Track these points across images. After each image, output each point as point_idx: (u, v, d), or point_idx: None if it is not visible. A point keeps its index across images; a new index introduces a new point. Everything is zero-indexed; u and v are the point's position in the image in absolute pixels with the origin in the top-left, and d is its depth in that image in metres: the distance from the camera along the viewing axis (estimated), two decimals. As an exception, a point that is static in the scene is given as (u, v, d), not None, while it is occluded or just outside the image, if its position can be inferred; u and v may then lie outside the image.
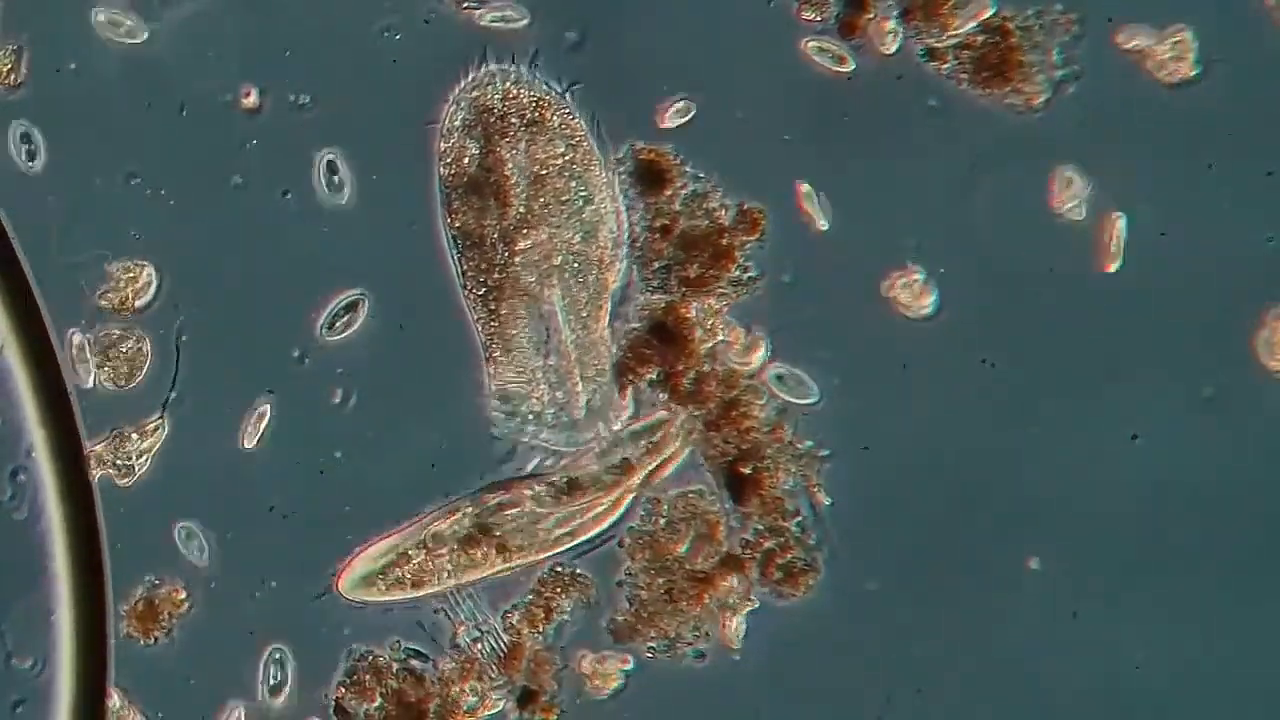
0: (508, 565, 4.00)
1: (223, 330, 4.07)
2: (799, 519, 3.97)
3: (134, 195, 4.05)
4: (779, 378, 3.94)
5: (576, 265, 3.96)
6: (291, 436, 4.05)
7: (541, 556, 3.99)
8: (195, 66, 4.03)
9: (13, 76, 4.02)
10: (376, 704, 4.05)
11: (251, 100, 4.02)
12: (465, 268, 3.97)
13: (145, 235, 4.06)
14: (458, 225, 3.96)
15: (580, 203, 3.94)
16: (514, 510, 3.98)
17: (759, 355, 3.94)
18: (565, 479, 3.97)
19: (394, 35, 4.00)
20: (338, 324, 4.01)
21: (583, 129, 3.94)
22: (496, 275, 3.96)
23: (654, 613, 3.99)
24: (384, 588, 4.01)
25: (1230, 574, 3.88)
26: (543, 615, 4.01)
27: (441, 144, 3.96)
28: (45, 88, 4.04)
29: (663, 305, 3.97)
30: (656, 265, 3.96)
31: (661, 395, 3.97)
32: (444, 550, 3.99)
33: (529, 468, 3.99)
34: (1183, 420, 3.88)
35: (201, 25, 4.03)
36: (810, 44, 3.76)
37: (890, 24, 3.86)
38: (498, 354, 3.98)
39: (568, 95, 3.92)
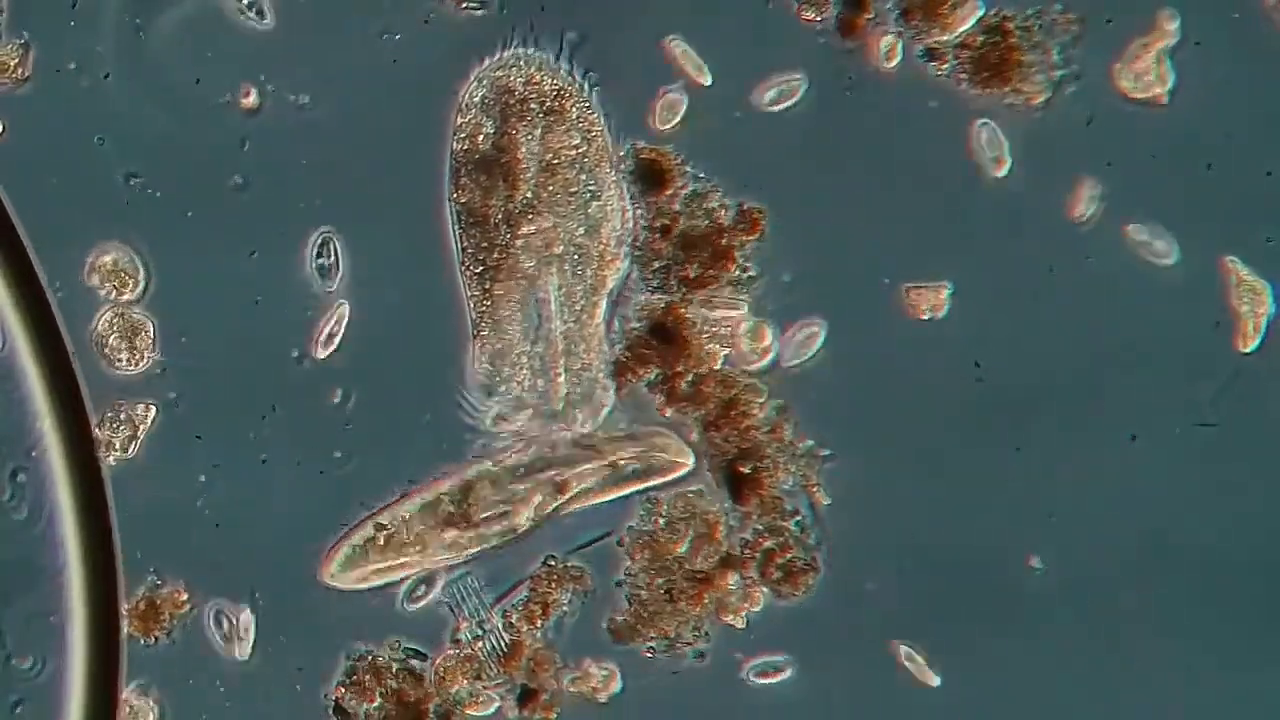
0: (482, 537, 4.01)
1: (221, 329, 4.07)
2: (798, 519, 3.97)
3: (134, 195, 4.05)
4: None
5: (577, 257, 3.96)
6: (291, 436, 4.06)
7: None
8: (195, 66, 4.03)
9: (20, 71, 4.02)
10: (376, 704, 4.05)
11: (251, 100, 4.02)
12: (465, 244, 3.97)
13: (145, 235, 4.06)
14: (463, 201, 3.96)
15: (588, 196, 3.94)
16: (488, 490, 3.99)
17: (767, 344, 3.95)
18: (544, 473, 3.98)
19: (394, 35, 4.00)
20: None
21: (600, 124, 3.94)
22: (496, 256, 3.96)
23: (654, 613, 4.00)
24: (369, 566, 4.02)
25: (1229, 572, 3.89)
26: (540, 611, 4.02)
27: (458, 118, 3.97)
28: (47, 87, 4.05)
29: (662, 305, 3.97)
30: (656, 265, 3.97)
31: (660, 396, 3.98)
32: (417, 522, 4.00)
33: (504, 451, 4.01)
34: (1183, 420, 3.89)
35: (201, 25, 4.03)
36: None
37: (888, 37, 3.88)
38: (486, 333, 3.98)
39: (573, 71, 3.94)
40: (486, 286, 3.97)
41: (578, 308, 3.96)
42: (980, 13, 3.87)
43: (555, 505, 3.99)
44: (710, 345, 3.94)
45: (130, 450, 4.06)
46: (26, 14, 4.05)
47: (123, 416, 4.05)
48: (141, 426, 4.06)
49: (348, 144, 4.01)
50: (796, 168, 3.94)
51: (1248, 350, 3.87)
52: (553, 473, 3.98)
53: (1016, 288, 3.91)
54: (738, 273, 3.95)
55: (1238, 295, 3.85)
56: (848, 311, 3.94)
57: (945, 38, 3.88)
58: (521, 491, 3.98)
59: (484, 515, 3.98)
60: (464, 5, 3.98)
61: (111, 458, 4.05)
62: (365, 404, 4.05)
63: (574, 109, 3.94)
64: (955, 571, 3.93)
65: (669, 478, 3.98)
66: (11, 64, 4.02)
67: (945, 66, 3.89)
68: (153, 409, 4.06)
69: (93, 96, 4.04)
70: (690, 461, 3.97)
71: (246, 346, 4.05)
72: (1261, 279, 3.85)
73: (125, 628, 4.05)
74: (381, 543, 4.00)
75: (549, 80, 3.94)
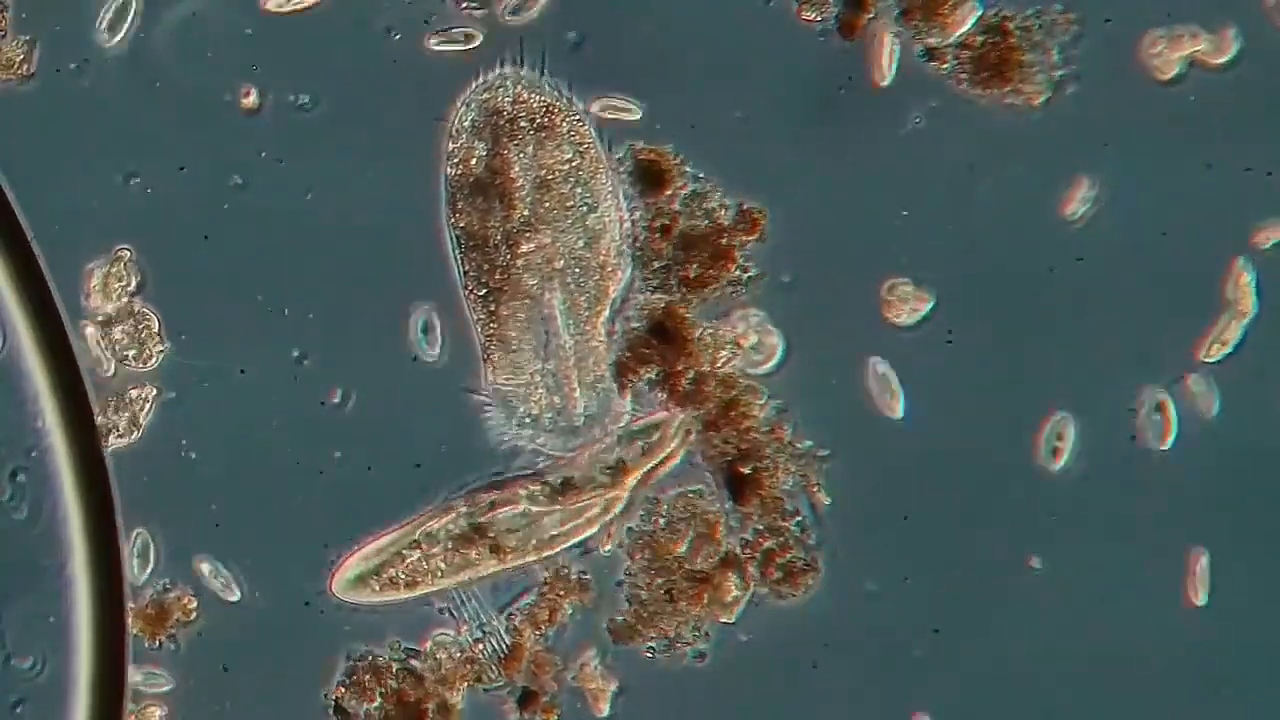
0: (501, 565, 4.00)
1: (221, 329, 4.08)
2: (799, 519, 3.97)
3: (134, 195, 4.06)
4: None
5: (578, 270, 3.96)
6: (291, 436, 4.06)
7: (534, 557, 4.00)
8: (195, 66, 4.03)
9: (25, 67, 4.02)
10: (376, 704, 4.05)
11: (251, 100, 4.02)
12: (467, 268, 3.98)
13: (144, 234, 4.06)
14: (462, 225, 3.97)
15: (584, 209, 3.94)
16: (508, 510, 3.98)
17: (771, 348, 3.95)
18: (560, 480, 3.97)
19: (394, 35, 4.00)
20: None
21: (591, 136, 3.94)
22: (498, 277, 3.96)
23: (654, 613, 4.00)
24: (377, 588, 4.01)
25: (1229, 572, 3.90)
26: (547, 616, 4.01)
27: (450, 144, 3.97)
28: (49, 88, 4.05)
29: (662, 305, 3.97)
30: (656, 265, 3.97)
31: (661, 395, 3.98)
32: (437, 550, 3.99)
33: (522, 468, 4.00)
34: (1182, 420, 3.89)
35: (201, 25, 4.03)
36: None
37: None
38: (496, 356, 3.99)
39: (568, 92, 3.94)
40: (492, 309, 3.97)
41: (583, 319, 3.96)
42: (980, 12, 3.87)
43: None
44: (719, 353, 3.95)
45: (132, 435, 4.06)
46: (30, 11, 4.06)
47: (125, 399, 4.05)
48: (141, 410, 4.05)
49: (348, 144, 4.02)
50: (796, 168, 3.94)
51: (1214, 359, 3.88)
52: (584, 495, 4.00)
53: (1016, 286, 3.91)
54: (738, 273, 3.95)
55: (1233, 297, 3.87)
56: (846, 311, 3.95)
57: (945, 38, 3.88)
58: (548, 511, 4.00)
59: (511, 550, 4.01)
60: (464, 5, 3.99)
61: (112, 440, 4.05)
62: (362, 404, 4.06)
63: (564, 123, 3.94)
64: (955, 571, 3.93)
65: (676, 444, 3.98)
66: (16, 60, 4.02)
67: (945, 66, 3.89)
68: (152, 391, 4.06)
69: (94, 96, 4.05)
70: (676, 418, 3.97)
71: (246, 345, 4.05)
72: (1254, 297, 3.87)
73: (129, 628, 4.05)
74: (400, 584, 4.02)
75: (536, 97, 3.95)
